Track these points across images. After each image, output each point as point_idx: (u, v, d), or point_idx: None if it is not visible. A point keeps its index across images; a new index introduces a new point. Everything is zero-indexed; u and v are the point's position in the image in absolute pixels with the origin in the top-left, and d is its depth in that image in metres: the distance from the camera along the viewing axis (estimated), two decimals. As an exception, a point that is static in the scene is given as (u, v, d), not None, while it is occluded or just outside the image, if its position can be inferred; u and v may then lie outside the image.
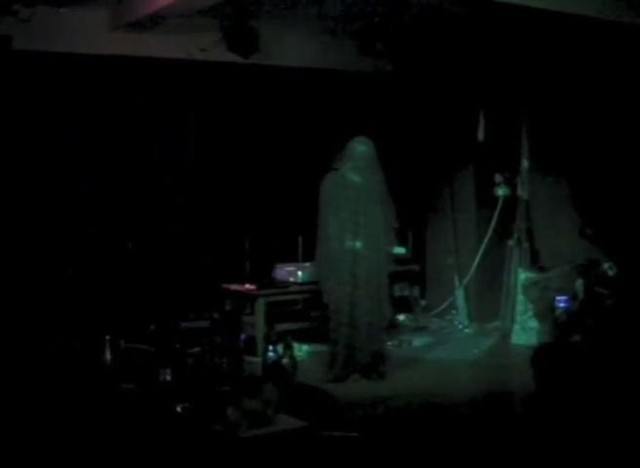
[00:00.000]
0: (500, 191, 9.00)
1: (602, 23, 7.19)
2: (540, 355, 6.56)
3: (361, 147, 6.90)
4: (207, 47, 8.12)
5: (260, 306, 7.77)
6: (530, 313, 8.31)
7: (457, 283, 9.33)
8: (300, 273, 8.10)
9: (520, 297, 8.44)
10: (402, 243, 8.63)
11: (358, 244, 6.84)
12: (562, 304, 7.61)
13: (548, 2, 6.85)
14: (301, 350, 7.67)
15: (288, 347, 6.52)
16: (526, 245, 8.83)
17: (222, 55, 8.20)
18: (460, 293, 9.28)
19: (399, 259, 8.24)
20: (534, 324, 8.24)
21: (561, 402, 6.10)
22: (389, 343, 7.66)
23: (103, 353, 6.51)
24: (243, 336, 7.36)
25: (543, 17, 7.08)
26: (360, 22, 8.59)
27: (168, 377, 6.03)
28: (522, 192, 8.84)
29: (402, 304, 9.05)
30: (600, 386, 6.31)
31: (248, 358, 7.15)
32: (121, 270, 8.02)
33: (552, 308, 7.77)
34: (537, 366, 6.37)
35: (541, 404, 6.16)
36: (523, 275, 8.52)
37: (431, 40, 8.85)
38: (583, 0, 7.05)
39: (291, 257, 8.72)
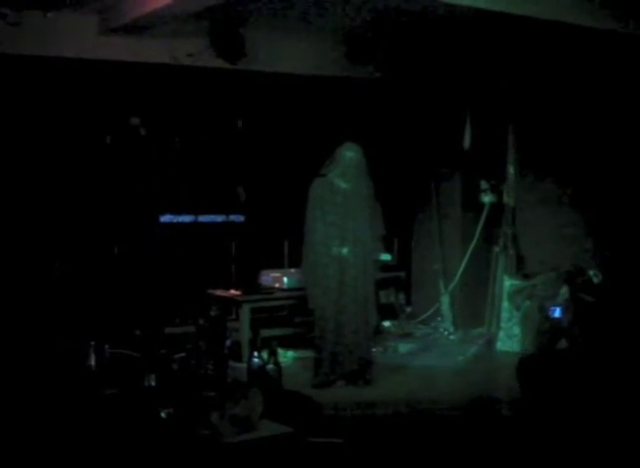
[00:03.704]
0: (486, 198, 9.03)
1: (586, 31, 7.24)
2: (525, 365, 6.57)
3: (350, 154, 6.90)
4: (195, 52, 8.12)
5: (246, 312, 7.76)
6: (515, 320, 8.33)
7: (442, 289, 9.34)
8: (285, 279, 8.10)
9: (505, 304, 8.46)
10: (388, 249, 8.63)
11: (345, 250, 6.84)
12: (556, 314, 7.62)
13: (531, 9, 6.90)
14: (287, 356, 7.67)
15: (273, 353, 6.51)
16: (511, 252, 8.86)
17: (210, 60, 8.20)
18: (445, 300, 9.29)
19: (385, 266, 8.24)
20: (518, 331, 8.26)
21: (547, 409, 6.12)
22: (374, 349, 7.66)
23: (88, 358, 6.49)
24: (228, 342, 7.33)
25: (529, 24, 7.12)
26: (348, 29, 8.62)
27: (152, 383, 6.02)
28: (508, 199, 8.86)
29: (387, 311, 9.06)
30: (586, 392, 6.33)
31: (233, 363, 7.14)
32: (106, 275, 8.02)
33: (545, 316, 7.79)
34: (522, 376, 6.39)
35: (528, 411, 6.18)
36: (508, 282, 8.54)
37: (418, 47, 8.88)
38: (563, 7, 7.09)
39: (276, 263, 8.73)
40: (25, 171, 7.72)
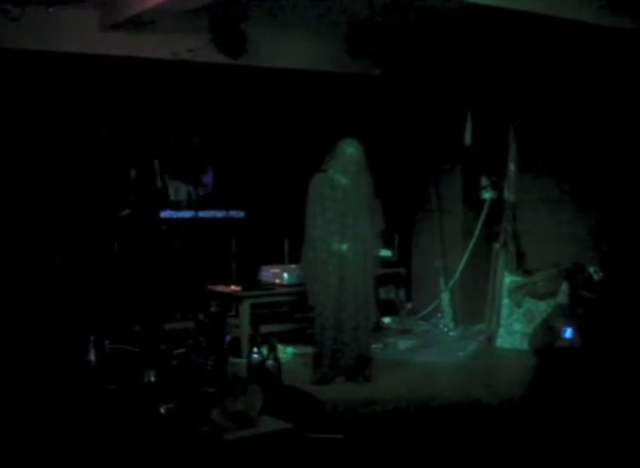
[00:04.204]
0: (487, 194, 9.02)
1: (587, 27, 7.24)
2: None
3: (350, 149, 6.89)
4: (195, 48, 8.11)
5: (246, 308, 7.76)
6: (515, 316, 8.33)
7: (442, 286, 9.34)
8: (285, 275, 8.10)
9: (505, 301, 8.45)
10: (388, 245, 8.63)
11: (345, 246, 6.83)
12: (567, 335, 7.61)
13: (532, 5, 6.89)
14: (286, 352, 7.67)
15: (273, 349, 6.52)
16: (512, 248, 8.85)
17: (210, 55, 8.19)
18: (445, 296, 9.29)
19: (385, 262, 8.24)
20: (518, 327, 8.26)
21: (548, 405, 6.13)
22: (374, 346, 7.65)
23: (88, 353, 6.50)
24: (228, 338, 7.34)
25: (530, 20, 7.11)
26: (348, 25, 8.61)
27: (152, 378, 6.04)
28: (508, 195, 8.85)
29: (387, 307, 9.06)
30: (587, 389, 6.34)
31: (233, 359, 7.15)
32: (106, 271, 8.02)
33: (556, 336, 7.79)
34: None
35: (530, 407, 6.19)
36: (508, 278, 8.53)
37: (419, 43, 8.87)
38: (567, 3, 7.08)
39: (277, 259, 8.73)
40: (25, 167, 7.72)
